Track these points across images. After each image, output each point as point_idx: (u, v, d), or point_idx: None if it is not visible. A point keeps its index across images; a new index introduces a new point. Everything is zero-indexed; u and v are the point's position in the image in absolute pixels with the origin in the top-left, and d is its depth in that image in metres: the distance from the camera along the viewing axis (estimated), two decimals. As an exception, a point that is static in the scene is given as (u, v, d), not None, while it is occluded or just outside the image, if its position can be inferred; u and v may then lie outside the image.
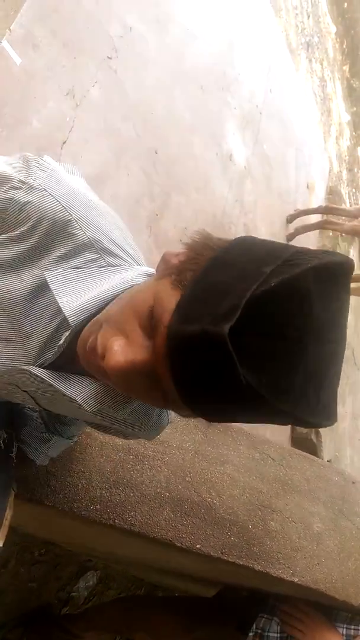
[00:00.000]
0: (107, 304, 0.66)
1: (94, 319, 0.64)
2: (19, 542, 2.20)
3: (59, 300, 0.66)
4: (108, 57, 2.28)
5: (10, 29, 1.79)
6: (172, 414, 0.89)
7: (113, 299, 0.67)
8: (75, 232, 0.68)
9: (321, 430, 3.83)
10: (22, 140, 1.75)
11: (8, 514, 0.93)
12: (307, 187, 4.69)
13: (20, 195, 0.68)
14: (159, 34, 2.67)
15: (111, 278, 0.70)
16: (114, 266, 0.71)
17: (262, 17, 4.09)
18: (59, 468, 1.33)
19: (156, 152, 2.56)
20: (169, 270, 0.59)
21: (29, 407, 1.09)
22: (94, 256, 0.70)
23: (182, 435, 1.52)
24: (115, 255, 0.72)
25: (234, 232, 3.12)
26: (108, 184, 2.18)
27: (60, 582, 2.42)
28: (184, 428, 1.54)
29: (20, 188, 0.68)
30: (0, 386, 0.80)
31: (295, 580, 1.43)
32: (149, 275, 0.72)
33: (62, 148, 1.97)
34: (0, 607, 2.18)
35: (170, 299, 0.54)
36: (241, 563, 1.41)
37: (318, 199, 4.92)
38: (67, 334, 0.68)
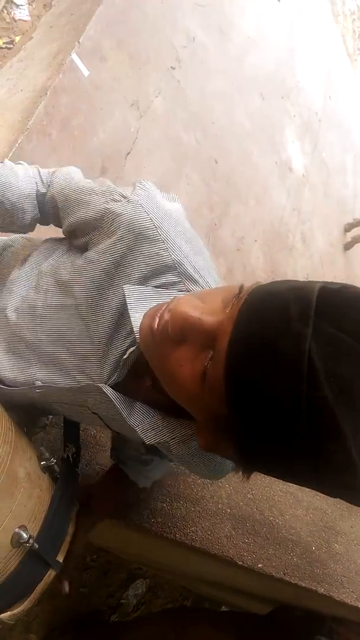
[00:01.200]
0: None
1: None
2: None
3: (132, 315, 0.65)
4: (172, 67, 2.29)
5: (79, 42, 1.82)
6: None
7: None
8: (161, 252, 0.68)
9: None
10: (89, 151, 1.78)
11: (71, 528, 0.93)
12: (365, 195, 4.58)
13: (117, 207, 0.69)
14: (221, 43, 2.66)
15: None
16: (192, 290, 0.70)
17: (322, 23, 4.03)
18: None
19: (216, 162, 2.55)
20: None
21: None
22: (176, 279, 0.69)
23: (243, 451, 1.50)
24: (196, 282, 0.70)
25: (292, 241, 3.08)
26: (168, 192, 2.18)
27: (110, 588, 2.43)
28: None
29: (119, 201, 0.70)
30: (71, 409, 0.81)
31: (360, 605, 1.38)
32: None
33: (126, 158, 1.98)
34: (52, 610, 2.20)
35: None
36: (304, 585, 1.37)
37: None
38: (132, 348, 0.68)
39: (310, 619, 1.77)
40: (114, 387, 0.72)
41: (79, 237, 0.76)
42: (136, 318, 0.65)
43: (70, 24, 1.97)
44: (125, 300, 0.68)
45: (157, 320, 0.58)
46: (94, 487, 1.14)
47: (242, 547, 1.36)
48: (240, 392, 0.50)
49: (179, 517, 1.34)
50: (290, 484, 1.49)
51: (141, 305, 0.66)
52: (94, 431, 1.37)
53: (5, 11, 2.23)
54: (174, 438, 0.71)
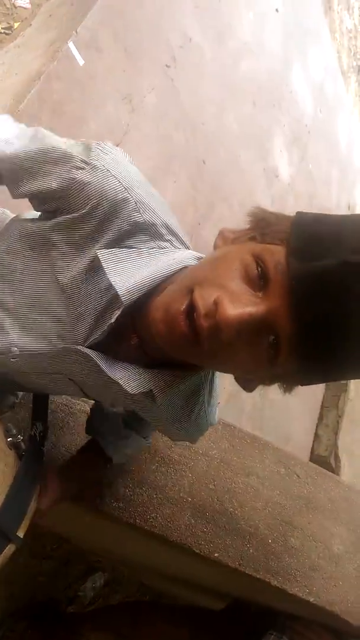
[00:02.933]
0: (157, 284, 0.68)
1: (174, 286, 0.65)
2: (32, 533, 2.21)
3: (112, 279, 0.67)
4: (166, 66, 2.31)
5: (76, 31, 1.84)
6: (217, 414, 0.89)
7: (164, 279, 0.69)
8: (132, 213, 0.69)
9: (340, 453, 3.78)
10: (79, 138, 1.79)
11: (33, 505, 0.94)
12: (348, 208, 4.66)
13: (83, 175, 0.69)
14: (218, 47, 2.70)
15: (161, 259, 0.71)
16: (163, 249, 0.73)
17: (318, 38, 4.11)
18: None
19: (204, 162, 2.58)
20: (244, 234, 0.64)
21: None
22: (146, 238, 0.71)
23: (208, 442, 1.52)
24: (166, 240, 0.73)
25: (273, 247, 3.12)
26: (155, 189, 2.21)
27: (68, 579, 2.42)
28: (210, 435, 1.54)
29: (83, 168, 0.69)
30: (46, 377, 0.82)
31: (311, 599, 1.41)
32: (198, 258, 0.73)
33: (114, 150, 2.00)
34: (7, 597, 2.19)
35: (275, 250, 0.58)
36: (258, 577, 1.40)
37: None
38: (118, 312, 0.68)
39: (263, 614, 1.80)
40: (93, 347, 0.73)
41: (41, 204, 0.75)
42: (116, 281, 0.67)
43: (70, 14, 1.98)
44: (94, 259, 0.69)
45: (182, 319, 0.59)
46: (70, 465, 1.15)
47: (200, 535, 1.39)
48: (318, 340, 0.55)
49: (140, 502, 1.36)
50: (253, 478, 1.53)
51: (117, 268, 0.68)
52: (62, 414, 1.38)
53: (5, -4, 2.24)
54: (157, 385, 0.73)
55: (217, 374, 0.83)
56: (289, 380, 0.66)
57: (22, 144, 0.75)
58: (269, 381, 0.68)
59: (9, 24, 2.18)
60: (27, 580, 2.24)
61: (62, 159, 0.70)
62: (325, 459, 3.62)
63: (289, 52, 3.54)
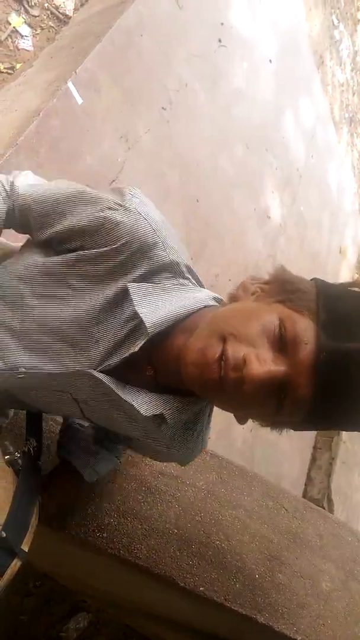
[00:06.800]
0: (180, 319, 0.75)
1: (205, 331, 0.71)
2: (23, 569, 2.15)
3: (139, 311, 0.73)
4: (162, 108, 2.41)
5: (76, 72, 1.92)
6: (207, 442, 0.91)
7: (188, 314, 0.75)
8: (159, 253, 0.75)
9: (334, 497, 3.72)
10: (75, 173, 1.84)
11: (34, 520, 0.94)
12: (340, 251, 4.75)
13: (116, 215, 0.75)
14: (212, 93, 2.82)
15: (184, 296, 0.77)
16: (185, 286, 0.78)
17: (310, 89, 4.28)
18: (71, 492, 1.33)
19: (197, 201, 2.66)
20: (270, 293, 0.72)
21: (78, 423, 1.13)
22: (170, 275, 0.77)
23: (195, 474, 1.51)
24: (186, 278, 0.79)
25: (264, 285, 3.16)
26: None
27: (51, 619, 2.34)
28: (198, 466, 1.53)
29: (116, 209, 0.75)
30: (50, 395, 0.84)
31: (299, 638, 1.37)
32: (215, 298, 0.80)
33: (110, 185, 2.06)
34: (-13, 637, 2.12)
35: (302, 320, 0.66)
36: (244, 612, 1.36)
37: (349, 265, 4.97)
38: (141, 342, 0.74)
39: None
40: (104, 372, 0.77)
41: (66, 242, 0.81)
42: (144, 313, 0.73)
43: (70, 56, 2.08)
44: (121, 292, 0.75)
45: (215, 367, 0.66)
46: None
47: (185, 568, 1.36)
48: (329, 404, 0.65)
49: (124, 533, 1.34)
50: (240, 510, 1.51)
51: (144, 301, 0.74)
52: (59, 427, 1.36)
53: (9, 39, 2.34)
54: (168, 410, 0.78)
55: None
56: (284, 426, 0.75)
57: (50, 188, 0.84)
58: (264, 423, 0.75)
59: (11, 64, 2.27)
60: (7, 618, 2.17)
61: (94, 200, 0.78)
62: (318, 501, 3.57)
63: (282, 100, 3.68)
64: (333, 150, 4.89)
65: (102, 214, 0.76)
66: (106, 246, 0.76)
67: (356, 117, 6.89)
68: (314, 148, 4.23)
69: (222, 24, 2.92)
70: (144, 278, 0.76)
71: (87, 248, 0.78)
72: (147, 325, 0.72)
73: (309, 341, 0.64)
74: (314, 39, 4.64)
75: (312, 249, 4.10)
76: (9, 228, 0.90)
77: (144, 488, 1.41)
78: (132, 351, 0.74)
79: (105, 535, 1.32)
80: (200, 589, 1.35)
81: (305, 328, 0.64)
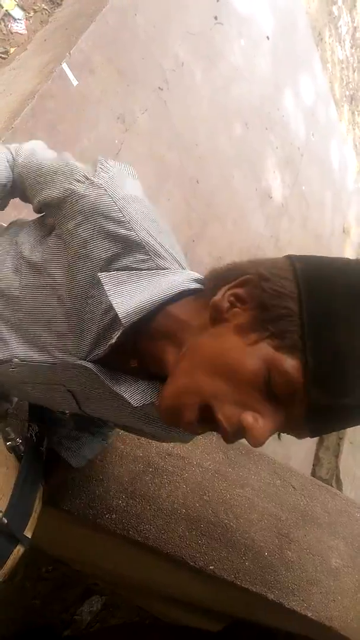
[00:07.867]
0: (156, 307, 0.70)
1: (184, 379, 0.65)
2: (28, 555, 2.17)
3: (113, 302, 0.69)
4: (159, 88, 2.37)
5: (70, 53, 1.89)
6: None
7: (162, 302, 0.70)
8: (127, 233, 0.70)
9: (342, 477, 3.73)
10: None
11: (37, 506, 0.94)
12: (343, 230, 4.71)
13: (80, 188, 0.71)
14: (209, 71, 2.78)
15: (160, 281, 0.72)
16: (163, 269, 0.73)
17: (310, 67, 4.22)
18: (78, 474, 1.33)
19: (197, 182, 2.63)
20: (251, 326, 0.63)
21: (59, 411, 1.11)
22: (144, 257, 0.72)
23: (202, 454, 1.51)
24: (163, 258, 0.74)
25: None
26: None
27: (65, 603, 2.37)
28: (205, 446, 1.53)
29: (82, 182, 0.72)
30: (45, 388, 0.82)
31: (309, 614, 1.37)
32: (196, 280, 0.74)
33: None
34: (1, 620, 2.14)
35: (291, 366, 0.59)
36: (254, 590, 1.36)
37: (353, 244, 4.93)
38: (118, 333, 0.70)
39: (262, 634, 1.75)
40: (94, 362, 0.75)
41: (47, 216, 0.80)
42: (117, 303, 0.69)
43: (64, 37, 2.05)
44: (94, 278, 0.71)
45: (193, 429, 0.65)
46: None
47: (194, 548, 1.36)
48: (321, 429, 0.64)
49: (133, 514, 1.34)
50: (248, 489, 1.51)
51: (118, 290, 0.70)
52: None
53: (2, 23, 2.31)
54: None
55: None
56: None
57: (44, 158, 0.82)
58: None
59: (5, 48, 2.24)
60: (22, 603, 2.19)
61: (69, 170, 0.74)
62: (326, 482, 3.58)
63: (281, 78, 3.63)
64: (334, 129, 4.83)
65: (69, 185, 0.72)
66: (70, 221, 0.72)
67: (357, 95, 6.79)
68: (314, 126, 4.17)
69: (217, 0, 2.86)
70: (111, 261, 0.71)
71: (57, 225, 0.75)
72: (121, 315, 0.69)
73: (301, 398, 0.59)
74: (312, 15, 4.56)
75: (315, 229, 4.06)
76: (16, 197, 0.89)
77: (151, 469, 1.41)
78: (110, 343, 0.72)
79: (114, 516, 1.32)
80: (210, 567, 1.35)
81: (296, 376, 0.59)
